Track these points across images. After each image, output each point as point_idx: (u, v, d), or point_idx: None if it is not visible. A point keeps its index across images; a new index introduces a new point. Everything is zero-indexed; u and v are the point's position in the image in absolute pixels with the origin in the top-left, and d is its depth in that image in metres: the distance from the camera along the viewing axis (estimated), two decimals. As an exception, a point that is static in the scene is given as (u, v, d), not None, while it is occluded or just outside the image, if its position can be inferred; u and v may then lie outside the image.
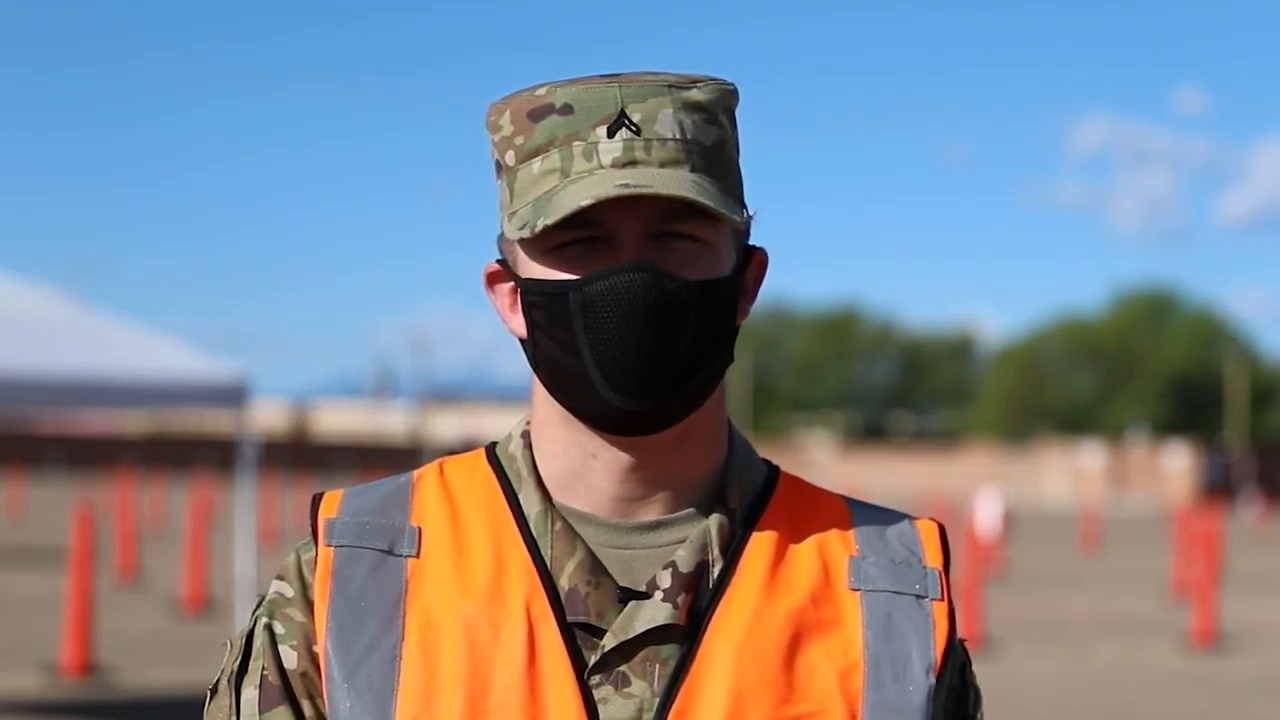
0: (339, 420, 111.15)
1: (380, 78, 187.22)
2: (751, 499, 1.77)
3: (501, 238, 1.75)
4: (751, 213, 1.74)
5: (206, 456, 70.56)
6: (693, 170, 1.67)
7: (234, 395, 12.11)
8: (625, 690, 1.67)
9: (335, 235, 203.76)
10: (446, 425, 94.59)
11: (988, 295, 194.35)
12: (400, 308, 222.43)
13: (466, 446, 1.89)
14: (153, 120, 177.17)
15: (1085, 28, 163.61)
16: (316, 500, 1.79)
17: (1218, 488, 75.95)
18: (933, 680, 1.72)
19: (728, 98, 1.73)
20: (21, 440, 77.15)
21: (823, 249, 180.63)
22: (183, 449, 78.60)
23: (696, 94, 1.70)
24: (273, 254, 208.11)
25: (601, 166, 1.66)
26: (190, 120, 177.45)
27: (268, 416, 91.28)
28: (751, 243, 1.76)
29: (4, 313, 11.60)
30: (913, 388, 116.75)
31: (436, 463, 1.82)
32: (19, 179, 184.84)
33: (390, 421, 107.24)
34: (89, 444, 79.35)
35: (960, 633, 1.81)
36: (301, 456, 79.19)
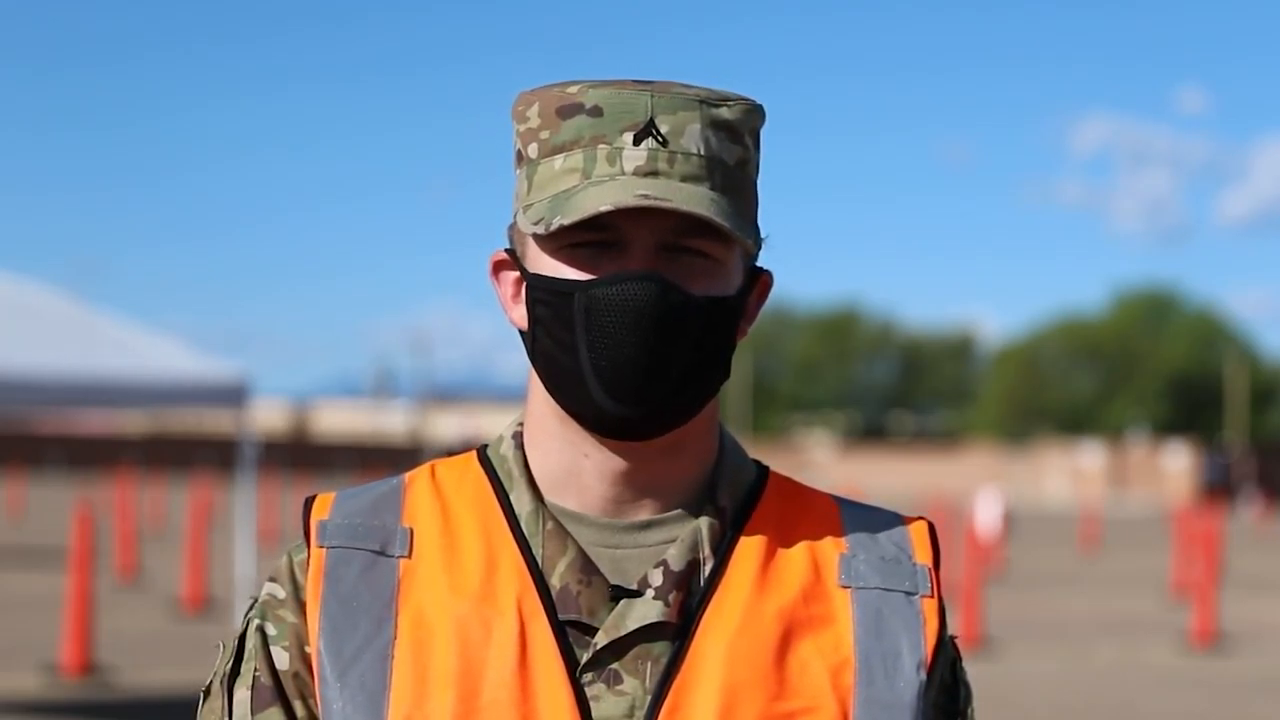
0: (339, 420, 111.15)
1: (380, 78, 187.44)
2: (742, 498, 1.78)
3: (513, 227, 1.76)
4: (764, 235, 1.75)
5: (206, 456, 70.57)
6: (712, 188, 1.69)
7: (234, 395, 12.11)
8: (617, 688, 1.68)
9: (335, 235, 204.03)
10: (446, 425, 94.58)
11: (988, 295, 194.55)
12: (400, 308, 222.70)
13: (466, 446, 1.90)
14: (153, 120, 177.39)
15: (1086, 27, 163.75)
16: (309, 503, 1.80)
17: (1218, 488, 75.94)
18: (923, 676, 1.73)
19: (754, 118, 1.74)
20: (21, 440, 77.14)
21: (823, 249, 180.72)
22: (183, 449, 78.58)
23: (725, 112, 1.71)
24: (273, 254, 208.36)
25: (624, 173, 1.67)
26: (190, 120, 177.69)
27: (268, 416, 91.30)
28: (759, 265, 1.77)
29: (4, 312, 11.60)
30: (913, 388, 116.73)
31: (428, 465, 1.83)
32: (19, 179, 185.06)
33: (390, 421, 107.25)
34: (89, 444, 79.33)
35: (952, 630, 1.82)
36: (301, 456, 79.18)
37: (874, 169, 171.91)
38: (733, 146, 1.71)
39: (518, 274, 1.75)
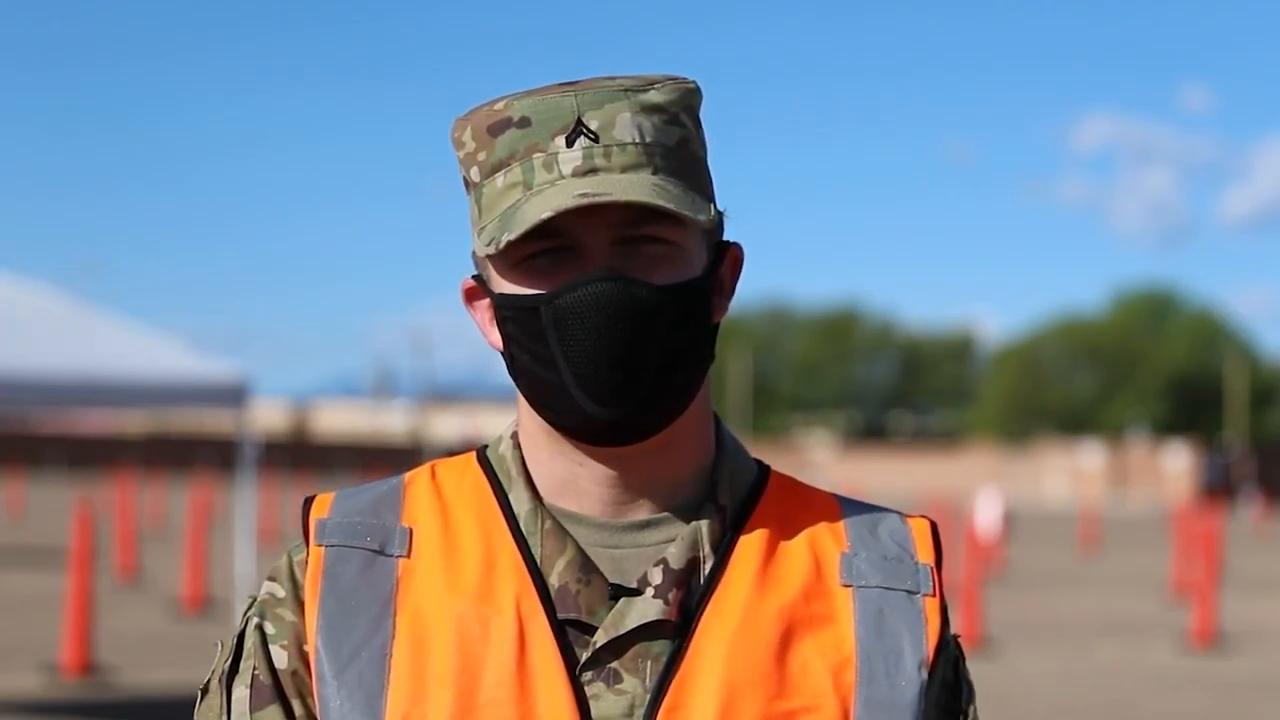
0: (339, 420, 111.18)
1: (380, 78, 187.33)
2: (742, 496, 1.77)
3: (475, 253, 1.75)
4: (721, 209, 1.74)
5: (206, 456, 70.59)
6: (655, 173, 1.67)
7: (234, 395, 12.12)
8: (617, 687, 1.68)
9: (335, 235, 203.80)
10: (446, 425, 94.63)
11: (988, 295, 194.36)
12: (400, 308, 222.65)
13: (466, 446, 1.91)
14: (153, 120, 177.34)
15: (1088, 26, 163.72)
16: (308, 502, 1.79)
17: (1218, 488, 75.95)
18: (925, 676, 1.72)
19: (688, 96, 1.73)
20: (21, 440, 77.14)
21: (823, 249, 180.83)
22: (183, 449, 78.61)
23: (654, 95, 1.70)
24: (273, 254, 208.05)
25: (563, 176, 1.66)
26: (190, 120, 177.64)
27: (268, 416, 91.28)
28: (727, 239, 1.76)
29: (3, 312, 11.60)
30: (913, 388, 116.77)
31: (428, 465, 1.83)
32: (19, 179, 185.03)
33: (390, 421, 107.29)
34: (89, 444, 79.35)
35: (955, 629, 1.81)
36: (301, 456, 79.19)
37: (874, 169, 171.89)
38: (670, 128, 1.70)
39: (488, 299, 1.75)
